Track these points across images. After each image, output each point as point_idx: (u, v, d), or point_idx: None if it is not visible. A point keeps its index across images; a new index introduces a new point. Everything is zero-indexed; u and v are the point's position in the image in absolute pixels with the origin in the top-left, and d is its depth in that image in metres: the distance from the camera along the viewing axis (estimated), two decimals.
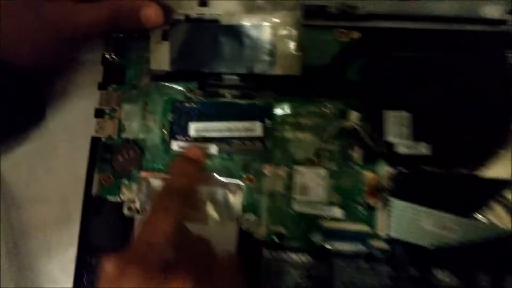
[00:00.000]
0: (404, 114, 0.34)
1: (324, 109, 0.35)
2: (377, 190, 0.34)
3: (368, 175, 0.34)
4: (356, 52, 0.36)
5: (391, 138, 0.34)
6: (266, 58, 0.34)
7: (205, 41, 0.35)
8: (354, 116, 0.34)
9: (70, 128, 0.39)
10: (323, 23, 0.36)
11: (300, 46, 0.34)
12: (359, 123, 0.35)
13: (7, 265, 0.37)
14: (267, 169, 0.35)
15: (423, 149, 0.33)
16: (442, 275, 0.33)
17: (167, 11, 0.35)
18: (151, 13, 0.33)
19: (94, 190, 0.37)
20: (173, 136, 0.36)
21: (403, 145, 0.34)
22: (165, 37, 0.35)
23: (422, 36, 0.35)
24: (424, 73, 0.34)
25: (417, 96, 0.34)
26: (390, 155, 0.34)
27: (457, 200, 0.33)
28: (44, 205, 0.38)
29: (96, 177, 0.37)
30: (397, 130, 0.33)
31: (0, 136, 0.37)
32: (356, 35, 0.36)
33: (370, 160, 0.34)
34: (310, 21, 0.35)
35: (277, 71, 0.34)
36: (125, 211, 0.36)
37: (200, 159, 0.33)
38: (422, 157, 0.33)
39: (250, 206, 0.35)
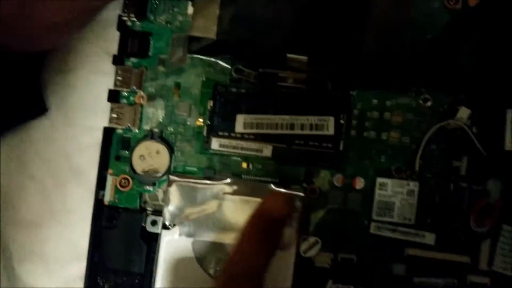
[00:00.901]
0: None
1: (421, 102, 0.27)
2: (486, 214, 0.26)
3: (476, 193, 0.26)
4: (471, 26, 0.27)
5: None
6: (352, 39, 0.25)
7: (271, 5, 0.26)
8: (463, 114, 0.26)
9: (76, 117, 0.30)
10: None
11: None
12: (469, 124, 0.26)
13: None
14: (339, 180, 0.27)
15: None
16: None
17: None
18: None
19: (107, 196, 0.28)
20: (213, 131, 0.28)
21: None
22: None
23: None
24: None
25: None
26: (508, 169, 0.25)
27: None
28: (47, 215, 0.30)
29: (110, 180, 0.28)
30: None
31: None
32: (473, 1, 0.27)
33: (480, 174, 0.27)
34: None
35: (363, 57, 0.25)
36: (148, 226, 0.28)
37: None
38: None
39: (313, 227, 0.28)
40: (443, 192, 0.27)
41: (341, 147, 0.27)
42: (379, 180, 0.27)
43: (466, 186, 0.27)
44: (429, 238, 0.27)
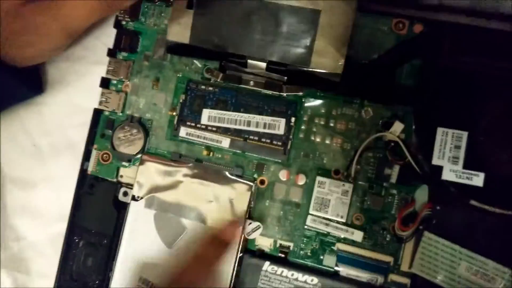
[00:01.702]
0: (463, 134, 0.28)
1: (363, 114, 0.30)
2: (410, 219, 0.29)
3: (403, 199, 0.29)
4: (411, 50, 0.30)
5: (439, 160, 0.28)
6: (303, 49, 0.29)
7: (236, 17, 0.30)
8: (397, 127, 0.29)
9: (74, 98, 0.35)
10: (381, 8, 0.30)
11: (346, 37, 0.28)
12: (402, 137, 0.29)
13: None
14: (284, 174, 0.31)
15: (475, 179, 0.28)
16: None
17: None
18: None
19: (91, 167, 0.33)
20: (182, 121, 0.32)
21: (452, 171, 0.28)
22: (190, 5, 0.30)
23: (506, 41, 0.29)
24: (498, 88, 0.28)
25: (481, 116, 0.28)
26: (434, 180, 0.28)
27: (507, 247, 0.27)
28: (39, 185, 0.36)
29: (94, 154, 0.33)
30: (449, 153, 0.28)
31: None
32: (418, 28, 0.30)
33: (408, 182, 0.29)
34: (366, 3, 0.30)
35: (314, 67, 0.29)
36: (120, 196, 0.33)
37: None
38: (473, 189, 0.28)
39: (258, 213, 0.31)
40: (374, 196, 0.30)
41: (289, 146, 0.31)
42: (319, 178, 0.30)
43: (396, 193, 0.30)
44: (357, 236, 0.30)
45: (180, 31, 0.30)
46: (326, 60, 0.28)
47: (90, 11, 0.29)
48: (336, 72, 0.28)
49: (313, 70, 0.29)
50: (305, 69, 0.29)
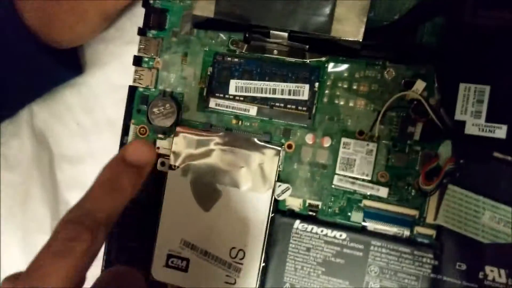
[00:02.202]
0: (485, 88, 0.28)
1: (385, 75, 0.31)
2: (434, 174, 0.30)
3: (427, 155, 0.31)
4: (433, 8, 0.31)
5: (462, 116, 0.29)
6: (324, 17, 0.30)
7: None
8: (419, 86, 0.30)
9: (113, 77, 0.38)
10: None
11: (367, 3, 0.29)
12: (425, 95, 0.30)
13: (48, 209, 0.38)
14: (310, 138, 0.32)
15: (498, 131, 0.29)
16: (493, 274, 0.29)
17: None
18: None
19: (129, 141, 0.36)
20: (211, 92, 0.34)
21: (475, 125, 0.29)
22: None
23: None
24: None
25: (503, 70, 0.28)
26: (457, 135, 0.29)
27: None
28: (86, 161, 0.39)
29: (132, 128, 0.36)
30: (472, 107, 0.29)
31: (31, 93, 0.38)
32: None
33: (432, 139, 0.30)
34: None
35: (335, 34, 0.30)
36: (158, 166, 0.35)
37: (146, 164, 0.24)
38: (496, 142, 0.29)
39: (287, 176, 0.33)
40: (398, 153, 0.31)
41: (313, 111, 0.33)
42: (344, 140, 0.32)
43: (419, 149, 0.31)
44: (383, 192, 0.31)
45: (205, 5, 0.32)
46: (347, 27, 0.29)
47: None
48: (357, 39, 0.29)
49: (334, 37, 0.30)
50: (326, 37, 0.30)
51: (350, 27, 0.29)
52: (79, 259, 0.20)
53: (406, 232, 0.31)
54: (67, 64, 0.36)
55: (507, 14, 0.29)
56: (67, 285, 0.19)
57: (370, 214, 0.31)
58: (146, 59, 0.36)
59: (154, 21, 0.35)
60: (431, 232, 0.31)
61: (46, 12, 0.32)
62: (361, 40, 0.29)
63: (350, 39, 0.29)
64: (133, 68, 0.36)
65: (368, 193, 0.31)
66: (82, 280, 0.21)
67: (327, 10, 0.30)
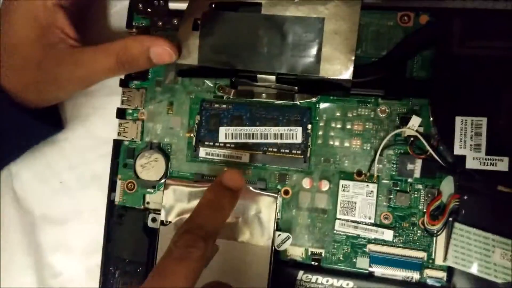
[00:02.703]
0: (482, 121, 0.28)
1: (379, 112, 0.31)
2: (439, 212, 0.29)
3: (429, 193, 0.30)
4: (420, 41, 0.30)
5: (461, 150, 0.28)
6: (311, 58, 0.29)
7: (242, 33, 0.30)
8: (415, 121, 0.30)
9: (95, 131, 0.37)
10: (385, 3, 0.31)
11: (353, 41, 0.29)
12: (421, 131, 0.30)
13: (33, 276, 0.36)
14: (307, 182, 0.31)
15: (500, 164, 0.28)
16: None
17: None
18: (161, 52, 0.30)
19: (117, 198, 0.35)
20: (200, 141, 0.33)
21: (475, 159, 0.28)
22: (195, 27, 0.31)
23: None
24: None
25: (499, 99, 0.28)
26: (458, 170, 0.28)
27: None
28: (71, 220, 0.37)
29: (119, 184, 0.35)
30: (470, 141, 0.28)
31: (10, 153, 0.37)
32: (424, 19, 0.30)
33: (432, 176, 0.30)
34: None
35: (324, 74, 0.29)
36: (149, 223, 0.34)
37: (239, 188, 0.28)
38: (498, 175, 0.28)
39: (286, 224, 0.32)
40: (399, 193, 0.30)
41: (308, 154, 0.32)
42: (342, 182, 0.31)
43: (421, 187, 0.30)
44: (388, 235, 0.30)
45: (188, 53, 0.31)
46: (335, 66, 0.29)
47: (108, 72, 0.31)
48: (346, 78, 0.29)
49: (323, 78, 0.30)
50: (315, 77, 0.30)
51: (339, 66, 0.29)
52: (197, 263, 0.24)
53: (416, 276, 0.30)
54: (47, 121, 0.35)
55: (496, 42, 0.29)
56: (188, 285, 0.23)
57: (377, 259, 0.30)
58: (130, 111, 0.35)
59: (136, 71, 0.35)
60: (442, 274, 0.30)
61: (24, 79, 0.31)
62: (350, 79, 0.29)
63: (340, 78, 0.29)
64: (116, 120, 0.35)
65: (373, 237, 0.30)
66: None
67: (313, 51, 0.29)
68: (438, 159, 0.29)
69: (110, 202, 0.35)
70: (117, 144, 0.35)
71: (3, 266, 0.37)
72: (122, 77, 0.35)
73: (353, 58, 0.29)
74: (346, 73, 0.29)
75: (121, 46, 0.30)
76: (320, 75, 0.29)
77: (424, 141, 0.29)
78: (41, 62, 0.31)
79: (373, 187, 0.30)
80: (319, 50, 0.29)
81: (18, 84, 0.31)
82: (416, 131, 0.30)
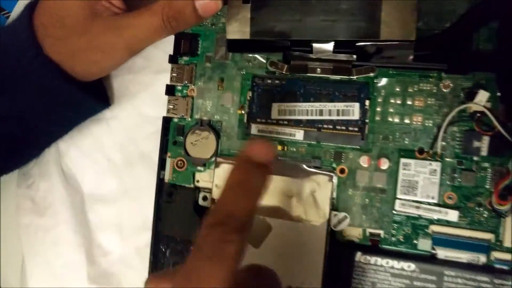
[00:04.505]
0: None
1: (442, 87, 0.31)
2: (508, 192, 0.29)
3: (497, 172, 0.29)
4: (486, 12, 0.30)
5: None
6: (371, 22, 0.29)
7: (294, 2, 0.31)
8: (482, 96, 0.29)
9: (142, 109, 0.38)
10: None
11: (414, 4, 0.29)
12: (488, 106, 0.29)
13: (83, 254, 0.38)
14: (365, 160, 0.32)
15: None
16: None
17: None
18: (207, 2, 0.30)
19: (167, 176, 0.36)
20: (252, 118, 0.34)
21: None
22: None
23: None
24: None
25: None
26: None
27: None
28: (120, 200, 0.39)
29: (168, 162, 0.36)
30: None
31: (58, 130, 0.38)
32: None
33: (501, 153, 0.29)
34: None
35: (386, 37, 0.29)
36: (200, 201, 0.35)
37: (269, 162, 0.24)
38: None
39: (342, 203, 0.32)
40: (465, 172, 0.30)
41: (366, 131, 0.32)
42: (403, 160, 0.31)
43: (488, 166, 0.30)
44: (452, 215, 0.30)
45: (239, 27, 0.32)
46: (397, 28, 0.29)
47: (155, 32, 0.31)
48: (410, 39, 0.29)
49: (385, 41, 0.29)
50: (376, 42, 0.30)
51: (400, 28, 0.29)
52: (233, 261, 0.21)
53: (482, 258, 0.30)
54: (94, 97, 0.36)
55: None
56: (227, 287, 0.20)
57: (440, 241, 0.30)
58: (180, 88, 0.36)
59: (185, 47, 0.35)
60: (510, 256, 0.29)
61: (70, 48, 0.32)
62: (414, 40, 0.28)
63: (402, 39, 0.29)
64: (165, 98, 0.36)
65: (436, 218, 0.30)
66: None
67: (372, 14, 0.29)
68: (507, 136, 0.29)
69: (160, 181, 0.36)
70: (166, 121, 0.36)
71: (54, 243, 0.39)
72: (171, 52, 0.36)
73: (415, 18, 0.28)
74: (410, 34, 0.29)
75: (165, 2, 0.30)
76: (381, 38, 0.29)
77: (492, 117, 0.29)
78: (87, 31, 0.32)
79: (436, 165, 0.30)
80: (379, 12, 0.29)
81: (66, 54, 0.32)
82: (484, 106, 0.29)
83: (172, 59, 0.35)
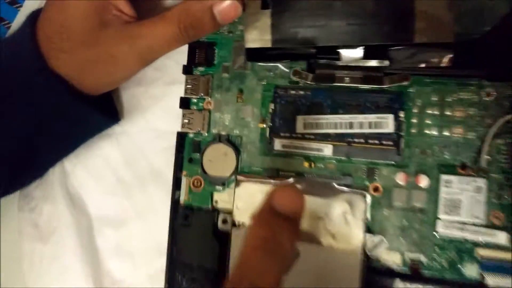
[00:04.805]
0: None
1: (483, 96, 0.28)
2: None
3: None
4: None
5: None
6: (403, 24, 0.27)
7: (317, 6, 0.28)
8: None
9: (154, 123, 0.36)
10: None
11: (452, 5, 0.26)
12: None
13: (91, 284, 0.36)
14: (401, 177, 0.29)
15: None
16: None
17: None
18: (225, 7, 0.28)
19: (182, 197, 0.33)
20: (275, 132, 0.31)
21: None
22: (265, 5, 0.29)
23: None
24: None
25: None
26: None
27: None
28: (130, 222, 0.36)
29: (184, 181, 0.33)
30: None
31: (64, 147, 0.36)
32: None
33: None
34: None
35: (420, 39, 0.27)
36: (219, 224, 0.32)
37: (298, 214, 0.22)
38: None
39: (377, 225, 0.30)
40: None
41: (402, 145, 0.29)
42: (444, 177, 0.29)
43: None
44: (501, 238, 0.28)
45: (259, 35, 0.29)
46: (432, 29, 0.27)
47: (170, 41, 0.29)
48: (447, 40, 0.27)
49: (420, 45, 0.27)
50: (410, 46, 0.28)
51: (437, 29, 0.27)
52: None
53: None
54: (102, 112, 0.34)
55: None
56: None
57: (489, 267, 0.28)
58: (195, 100, 0.33)
59: (201, 56, 0.33)
60: None
61: (78, 60, 0.30)
62: (451, 41, 0.26)
63: (439, 41, 0.27)
64: (178, 111, 0.33)
65: (483, 240, 0.28)
66: None
67: (405, 15, 0.27)
68: None
69: (175, 201, 0.33)
70: (181, 137, 0.33)
71: (59, 273, 0.36)
72: (184, 62, 0.33)
73: (452, 18, 0.26)
74: (447, 36, 0.27)
75: (182, 9, 0.28)
76: (416, 41, 0.27)
77: None
78: (97, 42, 0.30)
79: (482, 182, 0.28)
80: (412, 13, 0.27)
81: (73, 66, 0.30)
82: None
83: (187, 70, 0.33)
